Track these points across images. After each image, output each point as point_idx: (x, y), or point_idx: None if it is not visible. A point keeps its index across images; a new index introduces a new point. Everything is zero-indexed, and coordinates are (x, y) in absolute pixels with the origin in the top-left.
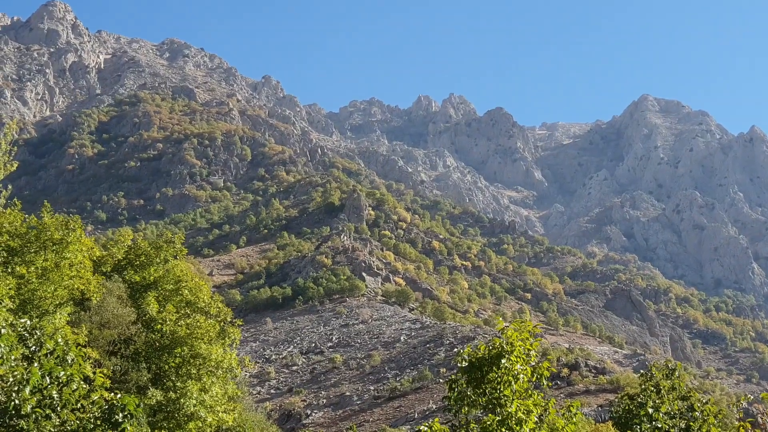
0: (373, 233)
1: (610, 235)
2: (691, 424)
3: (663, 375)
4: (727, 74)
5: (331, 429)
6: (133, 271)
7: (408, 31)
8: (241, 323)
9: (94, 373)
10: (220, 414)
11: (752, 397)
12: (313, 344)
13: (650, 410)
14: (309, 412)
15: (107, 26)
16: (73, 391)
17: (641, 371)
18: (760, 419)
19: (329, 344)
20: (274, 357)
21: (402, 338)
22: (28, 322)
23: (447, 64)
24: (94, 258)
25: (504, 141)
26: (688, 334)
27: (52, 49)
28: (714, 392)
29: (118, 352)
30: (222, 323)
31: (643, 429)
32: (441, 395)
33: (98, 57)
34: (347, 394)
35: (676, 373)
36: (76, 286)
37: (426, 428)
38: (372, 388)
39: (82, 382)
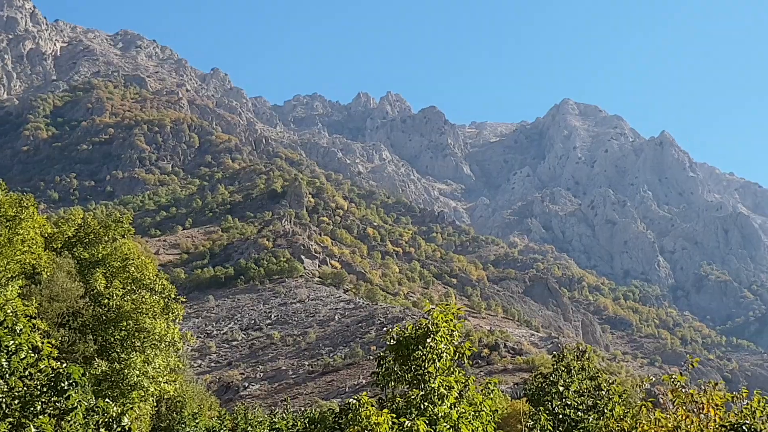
0: (312, 219)
1: (530, 227)
2: (598, 402)
3: (574, 356)
4: (642, 81)
5: (267, 401)
6: (82, 248)
7: (351, 30)
8: (184, 300)
9: (43, 343)
10: (162, 384)
11: (654, 379)
12: (253, 321)
13: (561, 388)
14: (247, 384)
15: (64, 16)
16: (21, 359)
17: (554, 353)
18: (661, 399)
19: (268, 321)
20: (215, 332)
21: (336, 317)
22: None
23: (386, 64)
24: (46, 235)
25: (436, 137)
26: (598, 320)
27: (10, 36)
28: (620, 374)
29: (66, 324)
30: (166, 299)
31: (554, 405)
32: (370, 371)
33: (55, 45)
34: (283, 368)
35: (586, 355)
36: (27, 261)
37: (355, 401)
38: (306, 363)
39: (30, 351)
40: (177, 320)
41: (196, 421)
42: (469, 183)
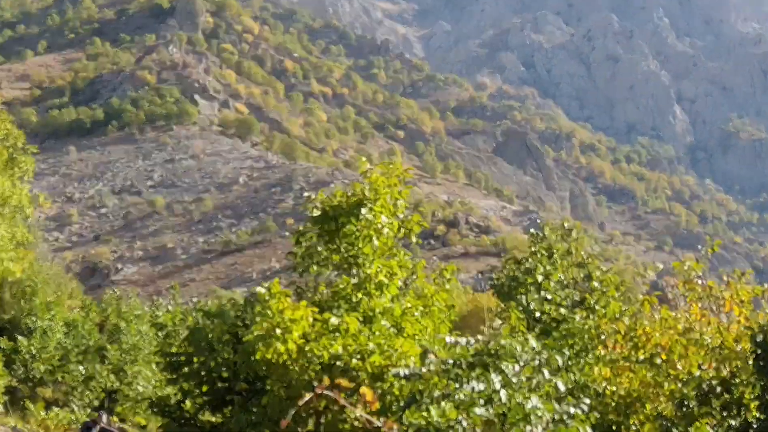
0: (211, 46)
1: (504, 64)
2: (587, 296)
3: (558, 237)
4: None
5: (148, 288)
6: None
7: None
8: (36, 151)
9: None
10: (5, 263)
11: (662, 268)
12: (129, 182)
13: (539, 278)
14: (120, 266)
15: None
16: None
17: (532, 231)
18: (669, 294)
19: (149, 183)
20: (77, 196)
21: (241, 180)
22: None
23: None
24: None
25: None
26: (592, 190)
27: None
28: (617, 260)
29: None
30: (11, 150)
31: (529, 300)
32: (286, 251)
33: None
34: (170, 246)
35: (574, 234)
36: None
37: (265, 291)
38: (201, 239)
39: None
40: (26, 178)
41: (52, 312)
42: (424, 2)
